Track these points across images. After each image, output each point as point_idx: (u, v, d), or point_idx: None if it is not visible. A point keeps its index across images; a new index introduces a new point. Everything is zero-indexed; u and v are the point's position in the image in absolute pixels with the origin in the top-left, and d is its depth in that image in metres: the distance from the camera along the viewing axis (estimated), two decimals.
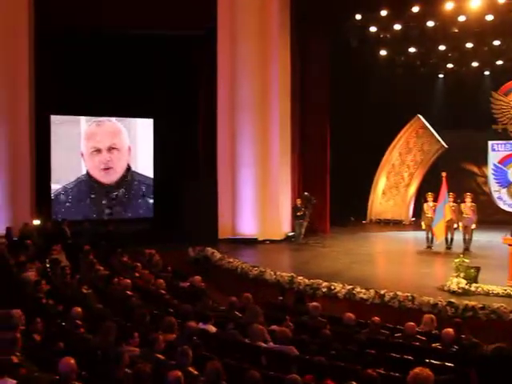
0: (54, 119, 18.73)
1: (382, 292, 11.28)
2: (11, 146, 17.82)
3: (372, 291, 11.44)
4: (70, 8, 18.06)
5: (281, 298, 11.24)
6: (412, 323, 8.22)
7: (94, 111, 19.27)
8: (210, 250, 16.12)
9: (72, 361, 5.06)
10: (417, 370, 5.17)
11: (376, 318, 8.58)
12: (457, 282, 11.69)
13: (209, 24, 18.68)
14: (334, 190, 20.26)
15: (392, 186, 22.88)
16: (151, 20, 18.64)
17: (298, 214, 18.22)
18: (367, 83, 20.91)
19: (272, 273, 13.17)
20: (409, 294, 10.99)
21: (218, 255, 15.60)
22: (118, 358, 5.65)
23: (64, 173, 18.99)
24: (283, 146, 18.84)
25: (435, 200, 16.23)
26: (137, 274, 12.22)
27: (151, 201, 20.28)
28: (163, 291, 10.83)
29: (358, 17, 18.99)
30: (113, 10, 18.23)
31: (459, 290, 11.50)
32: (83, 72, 18.64)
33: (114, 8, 18.20)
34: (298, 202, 18.55)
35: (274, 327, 8.25)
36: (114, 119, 19.71)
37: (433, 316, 8.82)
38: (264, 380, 5.60)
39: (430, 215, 16.43)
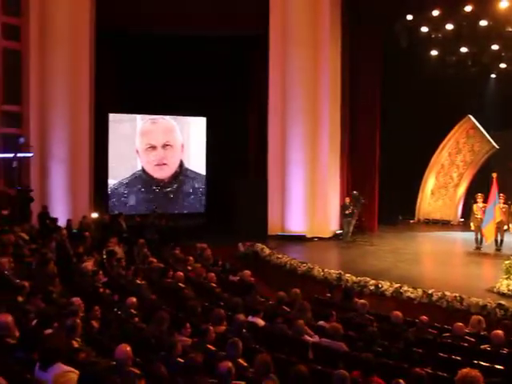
0: (112, 117, 19.08)
1: (430, 292, 11.11)
2: (72, 143, 18.29)
3: (420, 290, 11.28)
4: (129, 11, 18.43)
5: (329, 294, 11.22)
6: (461, 324, 8.06)
7: (150, 110, 19.55)
8: (259, 245, 16.18)
9: (128, 348, 5.16)
10: (465, 370, 5.10)
11: (424, 317, 8.46)
12: (507, 284, 11.41)
13: (261, 26, 18.74)
14: (382, 189, 20.04)
15: (441, 186, 22.41)
16: (205, 22, 18.83)
17: (347, 212, 18.07)
18: (417, 83, 20.52)
19: (320, 269, 13.14)
20: (457, 295, 10.77)
21: (267, 251, 15.65)
22: (172, 347, 5.74)
23: (120, 168, 19.35)
24: (333, 146, 18.76)
25: (485, 201, 15.88)
26: (189, 268, 12.38)
27: (203, 197, 20.43)
28: (214, 284, 10.95)
29: (410, 17, 18.69)
30: (168, 13, 18.48)
31: (509, 292, 11.23)
32: (140, 72, 18.97)
33: (169, 11, 18.45)
34: (347, 200, 18.41)
35: (321, 323, 8.26)
36: (168, 117, 19.95)
37: (481, 317, 8.61)
38: (311, 374, 5.58)
39: (479, 216, 16.08)
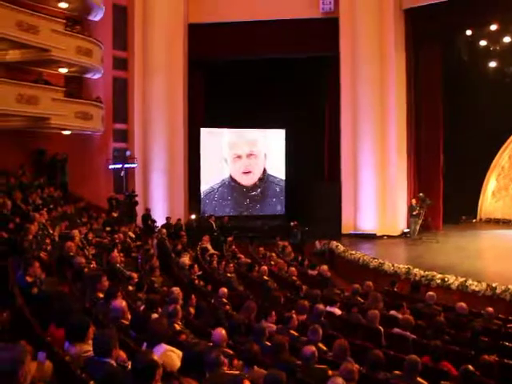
0: (203, 131, 19.46)
1: (494, 285, 10.62)
2: (170, 155, 18.85)
3: (484, 284, 10.80)
4: (216, 40, 18.93)
5: (393, 288, 10.87)
6: None
7: (236, 124, 19.81)
8: (334, 243, 16.05)
9: (223, 331, 5.23)
10: None
11: (490, 308, 8.11)
12: None
13: (333, 48, 18.68)
14: (446, 191, 19.38)
15: (501, 187, 21.45)
16: (283, 46, 18.99)
17: (414, 213, 17.59)
18: (477, 92, 19.76)
19: (390, 264, 12.87)
20: None
21: (341, 248, 15.49)
22: (261, 332, 5.77)
23: (211, 175, 19.67)
24: (400, 151, 18.42)
25: None
26: (272, 263, 12.43)
27: (283, 200, 20.46)
28: (295, 278, 10.93)
29: (469, 32, 18.10)
30: (251, 40, 18.86)
31: None
32: (227, 92, 19.26)
33: (252, 38, 18.83)
34: (414, 201, 17.94)
35: (393, 312, 8.08)
36: (252, 130, 20.13)
37: None
38: (386, 359, 5.47)
39: None
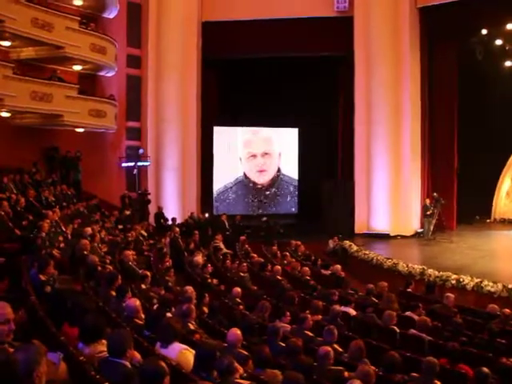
0: (217, 129, 19.41)
1: (510, 286, 10.44)
2: (182, 153, 18.79)
3: (500, 285, 10.62)
4: (230, 39, 18.82)
5: (408, 289, 10.75)
6: None
7: (249, 123, 19.74)
8: (347, 242, 15.92)
9: (239, 332, 5.16)
10: None
11: (507, 309, 7.97)
12: None
13: (347, 47, 18.54)
14: (460, 191, 19.16)
15: None
16: (297, 45, 18.85)
17: (428, 212, 17.39)
18: (492, 92, 19.49)
19: (404, 264, 12.72)
20: None
21: (354, 247, 15.36)
22: (275, 332, 5.69)
23: (224, 174, 19.63)
24: (414, 152, 18.25)
25: None
26: (285, 262, 12.34)
27: (296, 199, 20.38)
28: (308, 277, 10.84)
29: (484, 31, 17.85)
30: (264, 39, 18.71)
31: None
32: (240, 90, 19.18)
33: (265, 37, 18.67)
34: (427, 201, 17.75)
35: (408, 313, 7.97)
36: (266, 129, 20.05)
37: None
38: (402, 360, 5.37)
39: None
